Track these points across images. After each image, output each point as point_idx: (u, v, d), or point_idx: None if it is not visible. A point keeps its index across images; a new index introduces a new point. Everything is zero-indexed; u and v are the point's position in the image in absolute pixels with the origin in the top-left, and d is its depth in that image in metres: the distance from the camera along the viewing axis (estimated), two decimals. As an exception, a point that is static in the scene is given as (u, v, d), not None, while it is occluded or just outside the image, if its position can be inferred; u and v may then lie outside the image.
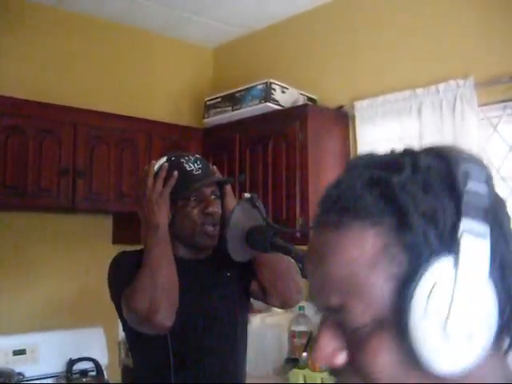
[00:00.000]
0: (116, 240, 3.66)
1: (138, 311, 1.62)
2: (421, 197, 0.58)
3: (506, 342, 0.63)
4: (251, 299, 1.95)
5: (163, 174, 1.75)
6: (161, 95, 4.04)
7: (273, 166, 3.28)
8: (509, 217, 0.63)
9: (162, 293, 1.64)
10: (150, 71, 4.01)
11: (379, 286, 0.59)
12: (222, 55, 4.32)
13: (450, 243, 0.57)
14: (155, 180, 1.75)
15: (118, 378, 3.41)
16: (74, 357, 3.22)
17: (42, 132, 3.09)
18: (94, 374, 3.23)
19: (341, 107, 3.35)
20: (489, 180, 0.60)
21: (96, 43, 3.78)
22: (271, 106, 3.33)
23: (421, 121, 2.95)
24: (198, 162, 1.83)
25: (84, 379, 3.20)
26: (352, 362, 0.62)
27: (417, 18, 3.10)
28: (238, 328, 1.89)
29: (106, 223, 3.72)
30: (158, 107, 3.96)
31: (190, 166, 1.80)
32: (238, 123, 3.53)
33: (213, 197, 1.82)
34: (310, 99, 3.44)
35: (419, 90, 2.95)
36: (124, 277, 1.72)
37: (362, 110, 3.21)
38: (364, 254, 0.60)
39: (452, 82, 2.82)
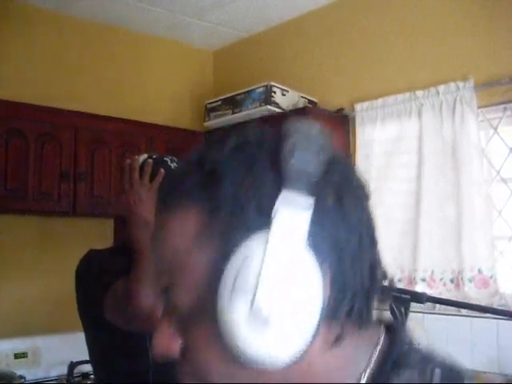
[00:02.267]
0: (117, 243, 3.65)
1: (141, 308, 1.58)
2: (238, 173, 0.55)
3: (354, 323, 0.58)
4: None
5: (149, 169, 1.69)
6: (161, 98, 4.05)
7: (273, 169, 3.28)
8: (360, 199, 0.60)
9: None
10: (150, 74, 4.02)
11: (197, 266, 0.56)
12: (222, 58, 4.32)
13: (269, 218, 0.53)
14: (141, 175, 1.68)
15: (119, 381, 3.41)
16: (76, 360, 3.22)
17: (43, 136, 3.10)
18: (95, 377, 3.23)
19: (341, 110, 3.35)
20: (324, 154, 0.56)
21: (97, 47, 3.79)
22: (271, 108, 3.33)
23: (421, 123, 2.95)
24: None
25: (85, 382, 3.20)
26: (185, 354, 0.59)
27: (417, 20, 3.10)
28: None
29: (107, 227, 3.71)
30: (159, 110, 3.96)
31: (175, 166, 1.79)
32: (239, 126, 3.52)
33: None
34: (310, 102, 3.44)
35: (419, 92, 2.95)
36: (107, 277, 1.69)
37: (362, 112, 3.21)
38: (185, 234, 0.57)
39: (452, 84, 2.82)
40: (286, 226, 0.52)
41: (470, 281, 2.69)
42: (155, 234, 0.63)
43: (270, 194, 0.54)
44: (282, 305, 0.51)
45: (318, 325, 0.53)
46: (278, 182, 0.54)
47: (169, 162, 1.77)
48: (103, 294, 1.66)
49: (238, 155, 0.57)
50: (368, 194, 0.61)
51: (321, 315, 0.53)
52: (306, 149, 0.55)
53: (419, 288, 2.77)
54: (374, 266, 0.59)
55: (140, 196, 1.67)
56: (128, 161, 1.76)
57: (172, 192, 0.61)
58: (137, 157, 1.77)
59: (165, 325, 0.60)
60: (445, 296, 2.58)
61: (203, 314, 0.55)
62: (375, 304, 0.59)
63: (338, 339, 0.56)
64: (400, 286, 2.80)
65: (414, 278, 2.85)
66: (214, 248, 0.55)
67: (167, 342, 0.60)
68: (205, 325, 0.55)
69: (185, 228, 0.58)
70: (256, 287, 0.51)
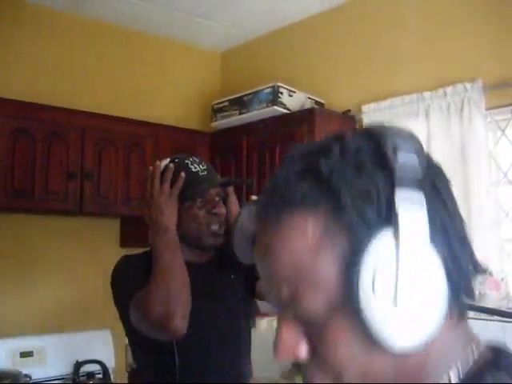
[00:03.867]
0: (123, 243, 3.67)
1: (152, 318, 1.59)
2: (351, 177, 0.58)
3: (458, 310, 0.62)
4: (257, 302, 1.94)
5: (170, 175, 1.73)
6: (169, 99, 4.05)
7: (280, 170, 3.27)
8: (446, 182, 0.64)
9: (176, 298, 1.61)
10: (158, 75, 4.03)
11: (325, 271, 0.59)
12: (229, 59, 4.33)
13: (388, 217, 0.57)
14: (162, 181, 1.72)
15: (124, 380, 3.41)
16: (81, 359, 3.23)
17: (50, 135, 3.11)
18: (100, 376, 3.23)
19: (348, 111, 3.34)
20: (419, 150, 0.60)
21: (105, 47, 3.79)
22: (278, 109, 3.33)
23: (428, 124, 2.94)
24: (203, 164, 1.83)
25: (91, 382, 3.21)
26: (315, 354, 0.62)
27: (424, 21, 3.09)
28: (242, 331, 1.88)
29: (114, 226, 3.73)
30: (166, 111, 3.97)
31: (196, 168, 1.79)
32: (246, 127, 3.53)
33: (217, 198, 1.82)
34: (317, 103, 3.44)
35: (426, 94, 2.95)
36: (131, 281, 1.70)
37: (369, 113, 3.21)
38: (305, 240, 0.60)
39: (459, 86, 2.81)
40: (411, 221, 0.56)
41: (481, 283, 2.67)
42: (260, 245, 0.65)
43: (384, 194, 0.57)
44: (417, 295, 0.56)
45: (446, 311, 0.57)
46: (389, 182, 0.57)
47: (189, 165, 1.79)
48: (128, 303, 1.67)
49: (345, 162, 0.60)
50: (450, 180, 0.65)
51: (447, 301, 0.57)
52: (407, 149, 0.59)
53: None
54: (471, 243, 0.63)
55: (160, 205, 1.70)
56: (151, 168, 1.78)
57: (282, 201, 0.62)
58: (159, 162, 1.79)
59: (286, 331, 0.63)
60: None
61: (340, 313, 0.59)
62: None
63: (460, 319, 0.62)
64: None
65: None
66: (341, 250, 0.58)
67: (293, 346, 0.63)
68: (340, 320, 0.59)
69: (306, 234, 0.60)
70: (396, 283, 0.55)
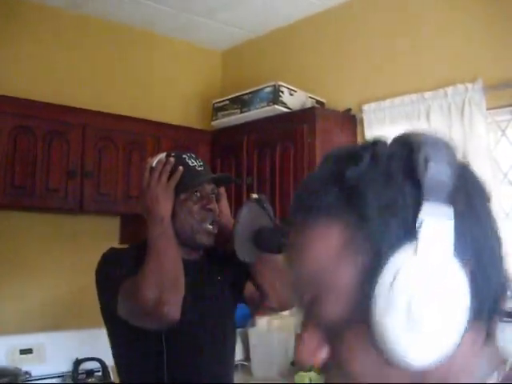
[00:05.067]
0: (123, 241, 3.67)
1: (144, 303, 1.58)
2: (378, 187, 0.58)
3: (485, 327, 0.61)
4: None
5: (168, 167, 1.74)
6: (169, 97, 4.06)
7: (280, 169, 3.28)
8: (483, 198, 0.62)
9: (171, 284, 1.61)
10: (158, 74, 4.03)
11: (346, 280, 0.59)
12: (230, 58, 4.33)
13: (413, 230, 0.56)
14: (161, 173, 1.74)
15: (123, 378, 3.41)
16: (81, 357, 3.23)
17: (51, 133, 3.11)
18: (99, 374, 3.23)
19: (349, 110, 3.35)
20: (453, 162, 0.58)
21: (106, 45, 3.80)
22: (279, 108, 3.33)
23: (429, 124, 2.94)
24: (199, 160, 1.85)
25: (90, 379, 3.21)
26: (333, 358, 0.62)
27: (425, 21, 3.09)
28: (228, 332, 1.90)
29: (114, 224, 3.73)
30: (167, 109, 3.97)
31: (193, 162, 1.81)
32: (246, 126, 3.53)
33: (212, 195, 1.83)
34: (318, 102, 3.44)
35: (427, 94, 2.95)
36: (122, 272, 1.68)
37: (369, 113, 3.21)
38: (329, 248, 0.60)
39: (460, 86, 2.81)
40: (433, 236, 0.55)
41: None
42: (291, 250, 0.65)
43: (411, 206, 0.56)
44: (435, 311, 0.55)
45: (466, 327, 0.56)
46: (417, 193, 0.56)
47: (187, 159, 1.80)
48: (117, 290, 1.66)
49: (375, 170, 0.59)
50: (489, 195, 0.63)
51: (468, 318, 0.56)
52: (439, 160, 0.57)
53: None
54: (505, 265, 0.62)
55: (157, 195, 1.71)
56: (149, 159, 1.80)
57: (309, 208, 0.62)
58: (159, 155, 1.81)
59: (309, 334, 0.63)
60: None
61: (356, 322, 0.59)
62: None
63: (486, 337, 0.60)
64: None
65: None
66: (363, 261, 0.58)
67: (314, 351, 0.63)
68: (357, 331, 0.59)
69: (329, 242, 0.60)
70: (411, 297, 0.55)
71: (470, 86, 2.78)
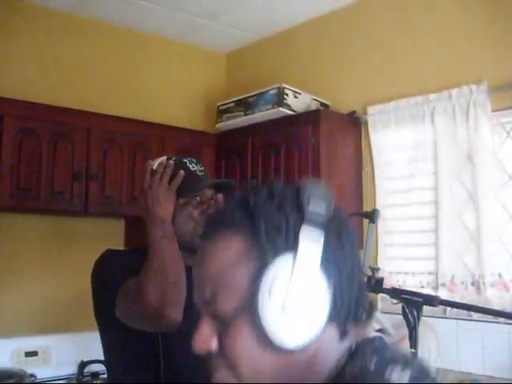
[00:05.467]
0: (128, 243, 3.67)
1: (148, 306, 1.56)
2: (271, 213, 0.77)
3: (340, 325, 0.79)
4: None
5: (169, 170, 1.73)
6: (174, 100, 4.06)
7: (285, 171, 3.28)
8: (349, 232, 0.81)
9: (174, 286, 1.60)
10: (163, 76, 4.04)
11: (239, 280, 0.76)
12: (235, 60, 4.33)
13: (293, 245, 0.74)
14: (162, 175, 1.72)
15: (128, 381, 3.41)
16: (86, 359, 3.24)
17: (56, 135, 3.12)
18: (105, 376, 3.24)
19: (353, 112, 3.34)
20: (329, 204, 0.77)
21: (110, 48, 3.81)
22: (284, 111, 3.33)
23: (434, 126, 2.94)
24: (200, 165, 1.84)
25: (95, 382, 3.22)
26: (220, 348, 0.78)
27: (430, 23, 3.09)
28: None
29: (118, 227, 3.74)
30: (171, 112, 3.98)
31: (194, 167, 1.80)
32: (251, 128, 3.53)
33: (211, 200, 1.82)
34: (322, 104, 3.44)
35: (432, 96, 2.94)
36: (121, 274, 1.67)
37: (374, 115, 3.21)
38: (229, 255, 0.78)
39: (465, 88, 2.81)
40: (306, 251, 0.74)
41: (492, 285, 2.67)
42: (199, 255, 0.83)
43: (294, 229, 0.75)
44: (302, 306, 0.74)
45: (326, 320, 0.75)
46: (299, 220, 0.75)
47: (187, 164, 1.80)
48: (115, 293, 1.65)
49: (271, 201, 0.78)
50: (356, 239, 0.83)
51: (328, 314, 0.75)
52: (318, 199, 0.76)
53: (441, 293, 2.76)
54: (362, 285, 0.82)
55: (158, 196, 1.70)
56: (149, 162, 1.79)
57: (218, 223, 0.81)
58: (157, 159, 1.80)
59: (204, 326, 0.80)
60: (465, 301, 2.55)
61: (244, 314, 0.76)
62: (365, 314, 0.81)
63: (343, 335, 0.79)
64: (427, 291, 2.79)
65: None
66: (253, 266, 0.76)
67: (208, 340, 0.79)
68: (244, 322, 0.76)
69: (230, 251, 0.78)
70: (285, 296, 0.73)
71: (474, 87, 2.77)
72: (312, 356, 0.77)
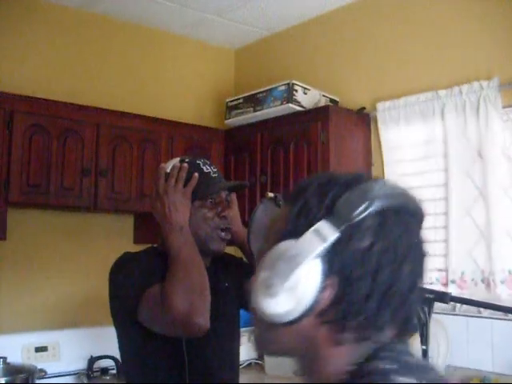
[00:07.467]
0: (137, 239, 3.68)
1: (176, 313, 1.55)
2: (302, 205, 0.83)
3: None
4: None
5: (183, 174, 1.72)
6: (183, 96, 4.06)
7: (294, 167, 3.28)
8: (389, 238, 0.80)
9: (200, 293, 1.59)
10: (172, 72, 4.04)
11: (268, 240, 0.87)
12: (244, 56, 4.33)
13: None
14: (177, 179, 1.72)
15: (138, 376, 3.42)
16: (95, 354, 3.25)
17: (66, 132, 3.13)
18: (114, 372, 3.25)
19: (363, 108, 3.33)
20: (367, 206, 0.79)
21: (119, 44, 3.81)
22: (293, 107, 3.33)
23: (444, 122, 2.93)
24: (213, 166, 1.83)
25: (105, 377, 3.23)
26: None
27: (440, 18, 3.08)
28: (235, 338, 1.90)
29: (128, 223, 3.75)
30: (181, 108, 3.98)
31: (208, 169, 1.79)
32: (260, 124, 3.53)
33: (226, 202, 1.81)
34: (331, 100, 3.44)
35: (442, 92, 2.93)
36: (143, 279, 1.65)
37: (383, 111, 3.20)
38: (277, 217, 0.89)
39: (476, 84, 2.79)
40: (309, 240, 0.79)
41: (503, 282, 2.66)
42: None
43: (316, 219, 0.80)
44: (297, 288, 0.79)
45: (311, 305, 0.79)
46: (325, 214, 0.80)
47: (201, 165, 1.78)
48: (138, 298, 1.62)
49: (318, 188, 0.84)
50: (412, 253, 0.84)
51: (314, 299, 0.78)
52: (356, 198, 0.79)
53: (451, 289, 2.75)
54: (402, 300, 0.82)
55: (174, 202, 1.69)
56: (162, 165, 1.77)
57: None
58: (170, 161, 1.79)
59: None
60: (475, 298, 2.54)
61: None
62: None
63: (340, 334, 0.81)
64: (435, 287, 2.78)
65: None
66: (277, 234, 0.85)
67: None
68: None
69: (279, 216, 0.88)
70: (271, 271, 0.82)
71: (485, 83, 2.76)
72: (295, 336, 0.83)
